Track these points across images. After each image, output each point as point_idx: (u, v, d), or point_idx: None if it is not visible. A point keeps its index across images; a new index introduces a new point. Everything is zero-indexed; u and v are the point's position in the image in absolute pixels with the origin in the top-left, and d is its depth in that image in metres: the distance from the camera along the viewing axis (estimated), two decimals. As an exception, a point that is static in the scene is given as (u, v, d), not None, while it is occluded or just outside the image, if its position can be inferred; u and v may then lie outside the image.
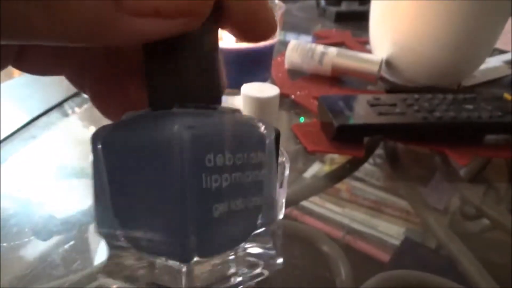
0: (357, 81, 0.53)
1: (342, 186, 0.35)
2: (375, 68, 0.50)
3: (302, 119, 0.44)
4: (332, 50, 0.52)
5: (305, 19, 0.88)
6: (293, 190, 0.33)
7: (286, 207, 0.18)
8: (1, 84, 0.47)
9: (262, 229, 0.14)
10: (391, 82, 0.54)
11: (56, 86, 0.48)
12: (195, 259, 0.12)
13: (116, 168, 0.13)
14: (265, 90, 0.37)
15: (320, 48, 0.53)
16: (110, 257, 0.14)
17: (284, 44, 0.55)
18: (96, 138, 0.13)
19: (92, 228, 0.28)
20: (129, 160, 0.12)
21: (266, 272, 0.14)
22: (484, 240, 0.31)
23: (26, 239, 0.26)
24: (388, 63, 0.52)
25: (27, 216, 0.29)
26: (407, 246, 0.28)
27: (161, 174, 0.12)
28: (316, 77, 0.53)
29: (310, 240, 0.28)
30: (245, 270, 0.14)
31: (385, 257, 0.28)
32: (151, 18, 0.10)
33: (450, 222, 0.31)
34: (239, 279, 0.14)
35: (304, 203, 0.32)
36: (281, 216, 0.16)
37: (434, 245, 0.29)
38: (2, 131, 0.38)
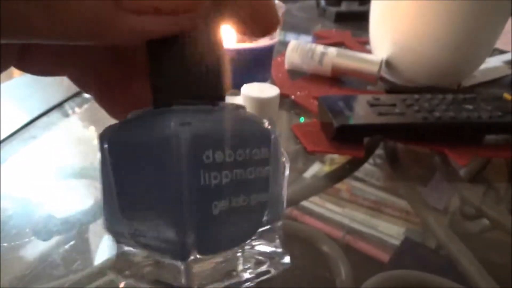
0: (357, 81, 0.53)
1: (342, 186, 0.35)
2: (375, 68, 0.50)
3: (302, 119, 0.44)
4: (332, 50, 0.52)
5: (305, 19, 0.88)
6: (293, 190, 0.33)
7: (286, 207, 0.18)
8: (1, 84, 0.47)
9: (268, 226, 0.14)
10: (391, 82, 0.54)
11: (56, 86, 0.48)
12: (192, 257, 0.12)
13: (120, 167, 0.13)
14: (265, 90, 0.37)
15: (320, 48, 0.53)
16: (118, 255, 0.14)
17: (284, 44, 0.55)
18: (102, 138, 0.13)
19: (92, 228, 0.28)
20: (131, 159, 0.12)
21: (273, 271, 0.14)
22: (484, 240, 0.31)
23: (26, 239, 0.27)
24: (388, 63, 0.52)
25: (27, 216, 0.29)
26: (407, 246, 0.28)
27: (160, 172, 0.12)
28: (316, 77, 0.53)
29: (310, 240, 0.28)
30: (252, 268, 0.14)
31: (385, 257, 0.28)
32: (150, 16, 0.10)
33: (450, 222, 0.31)
34: (245, 277, 0.13)
35: (304, 203, 0.32)
36: None
37: (434, 245, 0.29)
38: (2, 131, 0.38)
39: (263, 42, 0.45)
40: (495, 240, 0.31)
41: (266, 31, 0.14)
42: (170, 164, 0.11)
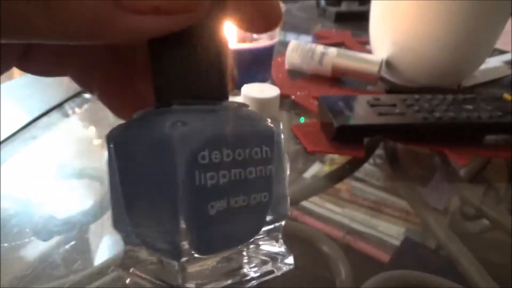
0: (357, 81, 0.53)
1: (342, 186, 0.35)
2: (375, 68, 0.50)
3: (302, 120, 0.44)
4: (332, 51, 0.52)
5: (305, 19, 0.88)
6: (293, 190, 0.33)
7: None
8: (1, 85, 0.47)
9: (273, 226, 0.14)
10: (391, 82, 0.54)
11: (56, 86, 0.48)
12: (185, 258, 0.12)
13: (124, 166, 0.13)
14: (265, 90, 0.37)
15: (320, 48, 0.53)
16: (125, 252, 0.14)
17: (284, 44, 0.55)
18: (109, 138, 0.13)
19: (92, 228, 0.28)
20: (134, 159, 0.13)
21: (276, 271, 0.14)
22: (484, 240, 0.31)
23: (27, 240, 0.27)
24: (388, 63, 0.52)
25: (27, 216, 0.29)
26: (407, 246, 0.28)
27: (157, 172, 0.12)
28: (316, 78, 0.53)
29: (310, 240, 0.28)
30: (257, 267, 0.14)
31: (385, 257, 0.28)
32: (150, 15, 0.11)
33: (450, 222, 0.31)
34: (250, 276, 0.13)
35: (304, 203, 0.32)
36: None
37: (434, 245, 0.29)
38: (2, 131, 0.38)
39: (263, 42, 0.45)
40: (495, 240, 0.31)
41: (269, 27, 0.14)
42: (165, 164, 0.11)
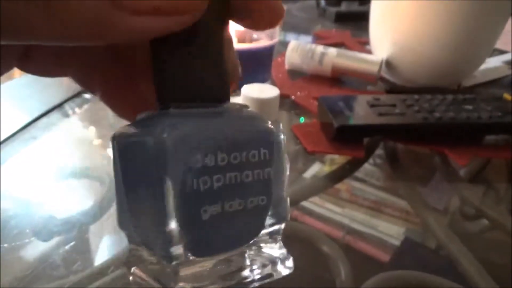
0: (357, 81, 0.53)
1: (342, 186, 0.35)
2: (375, 69, 0.50)
3: (302, 120, 0.44)
4: (332, 51, 0.52)
5: (305, 19, 0.88)
6: (293, 190, 0.33)
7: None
8: (1, 85, 0.47)
9: (272, 229, 0.14)
10: (391, 83, 0.54)
11: (56, 87, 0.48)
12: (177, 261, 0.12)
13: (125, 167, 0.13)
14: (265, 90, 0.37)
15: (320, 48, 0.53)
16: (129, 251, 0.14)
17: (284, 44, 0.55)
18: (113, 139, 0.13)
19: (92, 228, 0.28)
20: (133, 161, 0.13)
21: (275, 274, 0.14)
22: (484, 240, 0.31)
23: (27, 240, 0.27)
24: (388, 63, 0.52)
25: (27, 216, 0.29)
26: (407, 246, 0.28)
27: (150, 175, 0.12)
28: (316, 78, 0.53)
29: (310, 240, 0.28)
30: (257, 270, 0.14)
31: (385, 257, 0.28)
32: (150, 16, 0.11)
33: (450, 222, 0.31)
34: (250, 278, 0.13)
35: (304, 203, 0.32)
36: None
37: (434, 245, 0.29)
38: (2, 132, 0.38)
39: (263, 42, 0.45)
40: (495, 240, 0.31)
41: (272, 23, 0.14)
42: (158, 168, 0.11)
